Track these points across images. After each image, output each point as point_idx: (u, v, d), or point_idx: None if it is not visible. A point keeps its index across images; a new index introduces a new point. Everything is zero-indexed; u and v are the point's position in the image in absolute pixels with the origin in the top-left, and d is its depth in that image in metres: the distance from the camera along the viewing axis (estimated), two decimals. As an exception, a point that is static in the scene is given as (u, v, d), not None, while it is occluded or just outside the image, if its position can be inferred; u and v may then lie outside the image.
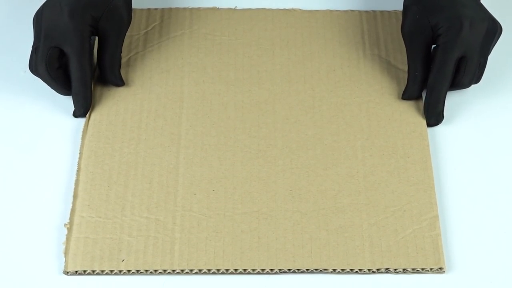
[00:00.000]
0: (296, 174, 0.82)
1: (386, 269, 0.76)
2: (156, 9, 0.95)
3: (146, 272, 0.76)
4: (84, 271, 0.76)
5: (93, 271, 0.76)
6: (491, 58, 0.89)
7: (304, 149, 0.84)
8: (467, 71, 0.85)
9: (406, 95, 0.87)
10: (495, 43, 0.88)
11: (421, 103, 0.87)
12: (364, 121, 0.86)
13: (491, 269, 0.76)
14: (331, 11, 0.95)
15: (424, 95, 0.87)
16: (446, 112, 0.87)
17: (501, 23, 0.88)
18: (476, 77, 0.87)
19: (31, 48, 0.86)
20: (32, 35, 0.86)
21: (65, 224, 0.79)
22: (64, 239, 0.78)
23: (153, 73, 0.89)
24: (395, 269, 0.76)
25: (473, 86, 0.89)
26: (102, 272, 0.76)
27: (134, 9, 0.94)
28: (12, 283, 0.76)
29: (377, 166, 0.82)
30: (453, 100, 0.88)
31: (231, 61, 0.90)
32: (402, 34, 0.89)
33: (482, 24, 0.85)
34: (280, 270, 0.76)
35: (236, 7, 0.95)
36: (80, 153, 0.83)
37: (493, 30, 0.86)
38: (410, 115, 0.86)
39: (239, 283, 0.76)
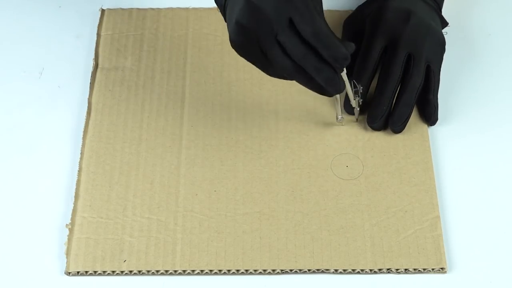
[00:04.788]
0: (297, 175, 0.82)
1: (388, 269, 0.76)
2: (157, 9, 0.95)
3: (148, 272, 0.76)
4: (86, 272, 0.76)
5: (95, 272, 0.76)
6: (491, 59, 0.90)
7: (306, 149, 0.84)
8: (414, 69, 0.84)
9: None
10: (443, 53, 0.87)
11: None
12: (365, 122, 0.86)
13: (492, 269, 0.77)
14: (331, 11, 0.95)
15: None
16: (447, 113, 0.87)
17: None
18: (435, 88, 0.85)
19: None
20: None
21: (66, 225, 0.79)
22: (65, 239, 0.78)
23: (155, 73, 0.89)
24: (397, 269, 0.76)
25: (473, 88, 0.89)
26: (103, 273, 0.76)
27: (134, 9, 0.94)
28: (14, 284, 0.76)
29: (378, 167, 0.82)
30: (453, 102, 0.88)
31: (232, 61, 0.90)
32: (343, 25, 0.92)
33: (415, 17, 0.86)
34: (281, 270, 0.76)
35: (236, 7, 0.95)
36: (81, 153, 0.83)
37: (436, 37, 0.87)
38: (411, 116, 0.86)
39: (240, 284, 0.76)
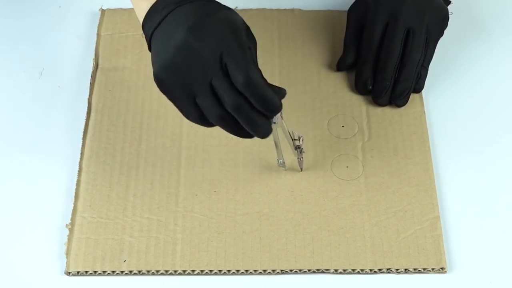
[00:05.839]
0: (297, 175, 0.82)
1: (388, 269, 0.76)
2: (156, 9, 0.95)
3: (148, 272, 0.76)
4: (86, 272, 0.76)
5: (95, 272, 0.76)
6: (492, 61, 0.90)
7: (305, 150, 0.83)
8: (413, 44, 0.86)
9: (338, 66, 0.90)
10: (445, 27, 0.89)
11: (423, 106, 0.87)
12: (365, 123, 0.86)
13: (492, 269, 0.77)
14: (331, 11, 0.95)
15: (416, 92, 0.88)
16: (447, 114, 0.87)
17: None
18: (426, 59, 0.87)
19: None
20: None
21: (66, 225, 0.79)
22: (65, 239, 0.78)
23: (154, 74, 0.89)
24: (397, 269, 0.76)
25: (474, 88, 0.89)
26: (103, 273, 0.76)
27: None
28: (14, 284, 0.76)
29: (378, 167, 0.82)
30: (453, 103, 0.88)
31: (232, 61, 0.90)
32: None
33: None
34: (281, 270, 0.76)
35: (236, 7, 0.95)
36: (81, 153, 0.83)
37: (439, 11, 0.88)
38: (411, 117, 0.86)
39: (240, 284, 0.76)
